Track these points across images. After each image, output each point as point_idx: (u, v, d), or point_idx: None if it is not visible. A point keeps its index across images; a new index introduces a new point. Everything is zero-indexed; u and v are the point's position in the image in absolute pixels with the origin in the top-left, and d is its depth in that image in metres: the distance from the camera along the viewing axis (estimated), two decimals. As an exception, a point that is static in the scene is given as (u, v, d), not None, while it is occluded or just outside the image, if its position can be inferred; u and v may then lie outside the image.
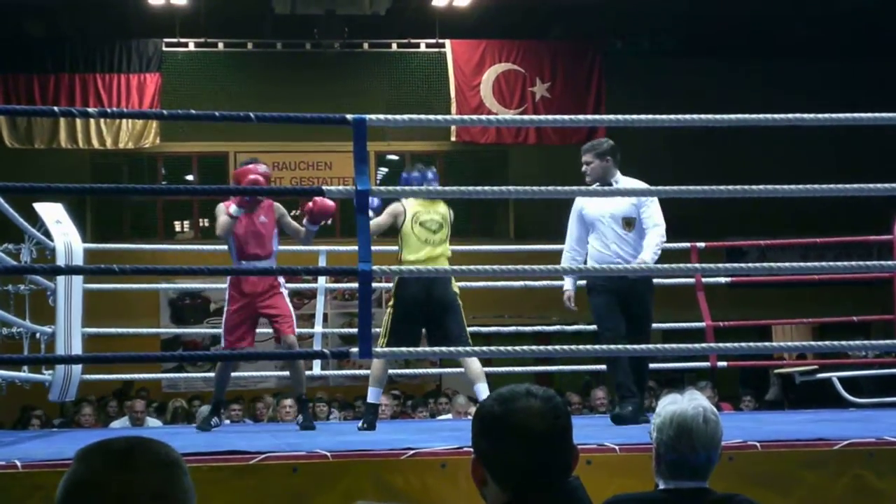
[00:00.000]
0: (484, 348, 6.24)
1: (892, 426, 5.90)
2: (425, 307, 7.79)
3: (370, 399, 7.91)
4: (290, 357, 6.62)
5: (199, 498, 4.50)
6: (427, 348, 7.73)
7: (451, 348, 7.08)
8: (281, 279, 8.05)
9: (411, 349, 7.60)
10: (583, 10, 17.86)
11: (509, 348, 7.12)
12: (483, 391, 7.57)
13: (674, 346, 5.98)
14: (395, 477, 4.63)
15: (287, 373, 8.48)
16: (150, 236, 18.56)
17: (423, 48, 18.67)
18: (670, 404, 3.70)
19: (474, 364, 7.79)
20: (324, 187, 5.87)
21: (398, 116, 5.85)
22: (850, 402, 9.72)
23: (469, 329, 8.19)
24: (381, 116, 5.69)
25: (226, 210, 7.83)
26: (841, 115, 5.89)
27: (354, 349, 5.22)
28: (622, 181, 7.49)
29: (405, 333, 7.77)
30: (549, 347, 6.22)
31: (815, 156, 17.31)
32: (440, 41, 18.40)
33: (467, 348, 7.30)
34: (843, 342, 6.11)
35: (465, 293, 15.26)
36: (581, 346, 6.07)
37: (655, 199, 7.45)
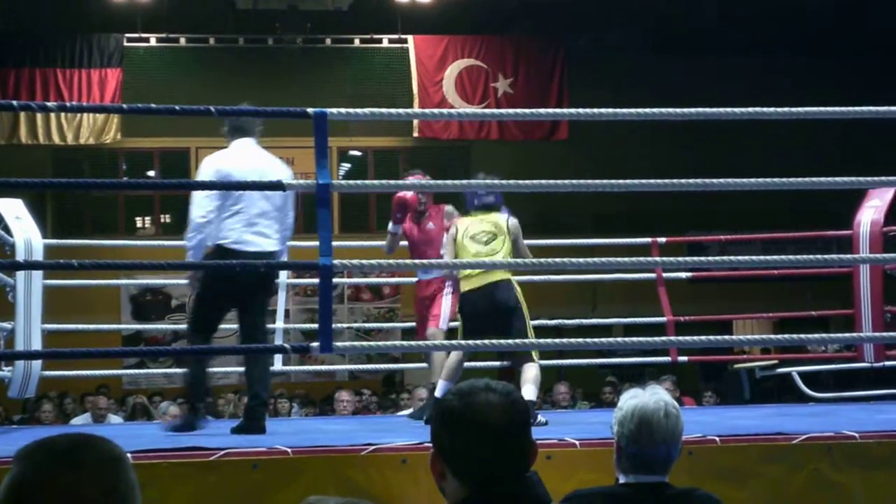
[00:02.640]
0: (452, 342, 6.23)
1: (851, 420, 5.94)
2: (490, 317, 7.49)
3: (438, 393, 7.57)
4: (250, 352, 6.56)
5: (160, 494, 4.48)
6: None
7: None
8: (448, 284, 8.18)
9: (377, 343, 7.54)
10: (546, 6, 17.87)
11: (477, 342, 7.13)
12: (529, 393, 7.32)
13: (634, 339, 5.99)
14: (355, 473, 4.62)
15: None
16: (111, 232, 18.46)
17: (385, 43, 18.64)
18: (631, 398, 3.70)
19: (530, 371, 7.32)
20: (285, 181, 5.84)
21: (359, 110, 5.84)
22: (810, 396, 9.77)
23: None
24: (343, 110, 5.66)
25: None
26: (801, 109, 5.92)
27: (315, 344, 5.20)
28: None
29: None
30: (510, 341, 6.23)
31: (783, 151, 17.40)
32: (403, 37, 18.39)
33: (529, 340, 7.14)
34: (803, 336, 6.11)
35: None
36: (542, 340, 6.07)
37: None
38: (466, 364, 7.72)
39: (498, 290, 7.37)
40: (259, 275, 6.50)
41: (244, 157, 6.55)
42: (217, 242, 6.48)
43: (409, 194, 8.15)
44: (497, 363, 10.34)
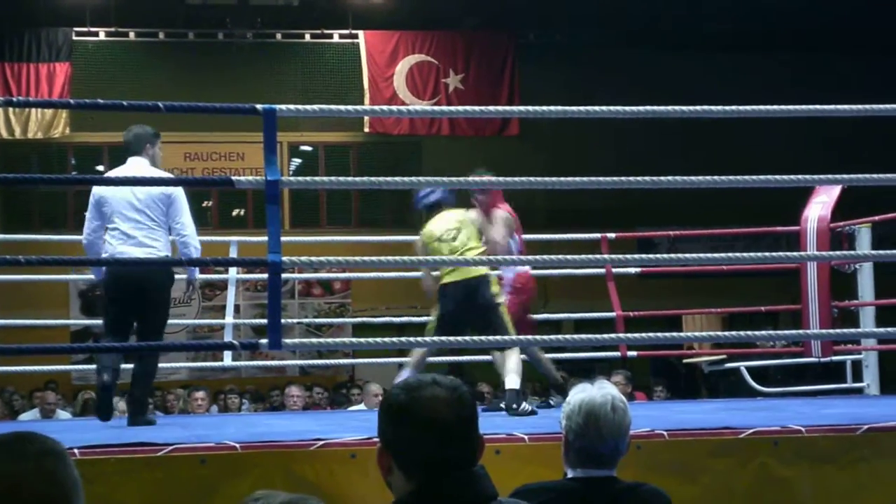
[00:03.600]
0: (403, 338, 6.23)
1: (797, 414, 5.99)
2: (469, 311, 7.55)
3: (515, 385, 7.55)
4: (199, 348, 6.56)
5: (107, 490, 4.46)
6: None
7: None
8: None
9: (327, 340, 7.53)
10: (496, 2, 17.90)
11: (427, 339, 7.15)
12: (511, 382, 7.40)
13: (584, 336, 6.01)
14: (304, 468, 4.61)
15: (197, 364, 8.42)
16: (60, 227, 18.30)
17: (336, 39, 18.61)
18: (579, 393, 3.73)
19: (512, 357, 7.49)
20: (234, 178, 5.83)
21: (309, 106, 5.83)
22: (758, 391, 9.84)
23: (381, 319, 8.18)
24: (292, 106, 5.66)
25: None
26: (750, 108, 5.95)
27: (264, 340, 5.19)
28: None
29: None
30: (461, 338, 6.25)
31: (741, 145, 17.48)
32: (353, 32, 18.36)
33: (507, 338, 7.25)
34: (751, 332, 6.17)
35: (377, 284, 15.27)
36: (493, 337, 6.09)
37: None
38: (411, 359, 7.82)
39: (478, 286, 7.50)
40: (137, 284, 6.89)
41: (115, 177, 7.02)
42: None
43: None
44: (448, 358, 10.37)
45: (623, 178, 5.78)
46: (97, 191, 7.10)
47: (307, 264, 7.28)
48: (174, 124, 17.06)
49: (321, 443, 4.70)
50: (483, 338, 6.76)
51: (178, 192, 7.01)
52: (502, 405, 7.50)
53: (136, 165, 7.09)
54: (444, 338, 7.20)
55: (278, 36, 18.55)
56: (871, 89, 10.60)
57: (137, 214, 6.93)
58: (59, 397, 13.45)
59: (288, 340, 5.43)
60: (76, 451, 4.45)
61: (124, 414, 9.63)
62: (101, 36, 18.08)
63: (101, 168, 19.21)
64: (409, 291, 16.89)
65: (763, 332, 6.17)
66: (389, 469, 2.52)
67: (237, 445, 4.66)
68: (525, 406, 7.28)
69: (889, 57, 18.12)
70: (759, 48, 19.13)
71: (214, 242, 9.35)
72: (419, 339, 7.24)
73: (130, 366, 7.28)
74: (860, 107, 5.96)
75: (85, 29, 17.75)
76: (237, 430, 5.94)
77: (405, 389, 2.53)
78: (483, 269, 7.50)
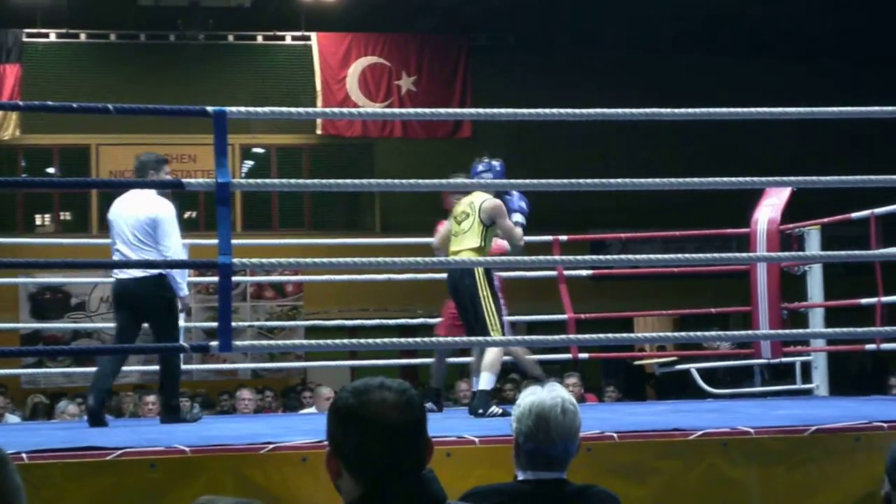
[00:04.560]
0: (355, 340, 6.23)
1: (747, 416, 6.02)
2: (455, 298, 7.59)
3: (486, 386, 7.40)
4: (148, 351, 6.55)
5: (55, 495, 4.43)
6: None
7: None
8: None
9: (279, 342, 7.51)
10: (449, 4, 17.92)
11: (377, 340, 7.13)
12: (483, 381, 7.33)
13: (534, 337, 6.02)
14: (254, 471, 4.59)
15: (150, 367, 8.47)
16: (9, 229, 18.17)
17: (288, 41, 18.59)
18: (529, 395, 3.74)
19: (489, 354, 7.41)
20: (184, 180, 5.81)
21: (260, 109, 5.82)
22: (708, 392, 9.89)
23: (334, 322, 8.16)
24: (243, 109, 5.63)
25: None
26: (697, 110, 5.98)
27: (214, 343, 5.17)
28: None
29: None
30: (413, 340, 6.24)
31: (686, 146, 17.59)
32: (306, 34, 18.35)
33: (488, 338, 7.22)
34: (701, 332, 6.20)
35: (330, 287, 15.22)
36: (444, 338, 6.09)
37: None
38: (364, 362, 7.81)
39: (460, 274, 7.40)
40: (130, 297, 7.41)
41: (120, 201, 7.56)
42: None
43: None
44: (400, 361, 10.37)
45: (575, 181, 5.79)
46: (109, 214, 7.64)
47: (257, 266, 7.28)
48: (125, 127, 17.01)
49: (271, 446, 4.68)
50: (439, 339, 6.77)
51: (164, 216, 7.35)
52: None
53: (137, 193, 7.50)
54: (411, 340, 7.20)
55: (230, 37, 18.51)
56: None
57: (131, 236, 7.38)
58: (9, 401, 13.35)
59: (238, 343, 5.40)
60: (24, 455, 4.41)
61: (70, 417, 9.70)
62: (52, 37, 17.97)
63: (51, 171, 19.09)
64: (362, 294, 16.95)
65: (712, 333, 6.19)
66: (338, 473, 2.51)
67: (187, 449, 4.63)
68: (494, 409, 7.12)
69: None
70: (707, 47, 19.25)
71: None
72: (371, 340, 7.24)
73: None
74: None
75: (35, 30, 17.66)
76: (187, 433, 5.90)
77: (353, 393, 2.52)
78: (468, 253, 7.35)
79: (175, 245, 7.36)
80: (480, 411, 7.12)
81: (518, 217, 7.63)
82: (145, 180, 6.97)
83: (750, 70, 19.08)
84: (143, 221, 7.35)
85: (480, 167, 7.60)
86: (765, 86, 17.30)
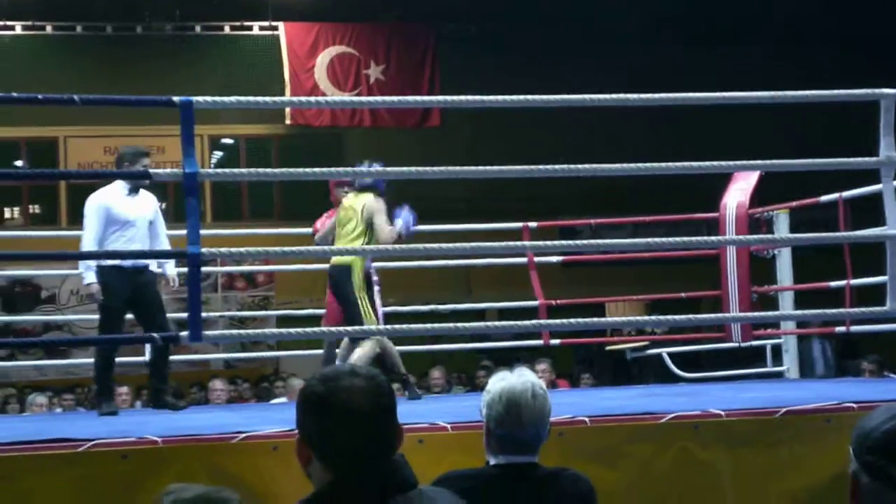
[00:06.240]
0: (325, 329, 6.22)
1: (718, 399, 6.03)
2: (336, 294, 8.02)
3: None
4: (118, 342, 6.52)
5: (26, 487, 4.41)
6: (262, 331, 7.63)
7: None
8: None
9: (247, 332, 7.51)
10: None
11: (348, 329, 7.13)
12: None
13: (505, 322, 6.01)
14: (226, 461, 4.58)
15: (120, 359, 8.44)
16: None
17: (256, 31, 18.55)
18: (499, 381, 3.74)
19: (360, 349, 7.77)
20: (152, 171, 5.79)
21: (227, 98, 5.80)
22: (679, 376, 9.92)
23: (306, 311, 8.18)
24: (209, 98, 5.61)
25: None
26: (659, 96, 5.99)
27: (185, 333, 5.16)
28: None
29: None
30: (386, 327, 6.25)
31: (660, 132, 17.62)
32: (273, 24, 18.32)
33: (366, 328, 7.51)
34: (672, 317, 6.21)
35: (301, 276, 15.21)
36: (416, 326, 6.09)
37: None
38: (337, 351, 7.96)
39: (336, 275, 7.84)
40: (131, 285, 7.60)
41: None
42: None
43: None
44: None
45: (542, 167, 5.80)
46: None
47: (227, 255, 7.27)
48: (92, 118, 16.95)
49: (243, 435, 4.67)
50: (406, 326, 6.76)
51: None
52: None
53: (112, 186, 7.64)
54: (369, 327, 7.29)
55: (198, 28, 18.45)
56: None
57: None
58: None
59: (209, 332, 5.39)
60: (-8, 448, 4.40)
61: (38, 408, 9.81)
62: (18, 30, 17.90)
63: (19, 163, 19.00)
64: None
65: (683, 317, 6.20)
66: (309, 460, 2.51)
67: (158, 440, 4.62)
68: None
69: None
70: (678, 37, 19.30)
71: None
72: (343, 329, 7.25)
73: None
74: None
75: (1, 23, 17.54)
76: (159, 424, 5.89)
77: (322, 380, 2.52)
78: (347, 259, 7.78)
79: (84, 237, 7.53)
80: None
81: (398, 224, 7.87)
82: (111, 171, 6.97)
83: (717, 58, 19.12)
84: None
85: (364, 167, 7.79)
86: (735, 73, 17.32)
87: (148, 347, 8.03)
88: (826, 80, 6.71)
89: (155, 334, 6.59)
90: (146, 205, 7.62)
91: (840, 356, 12.34)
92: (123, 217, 7.50)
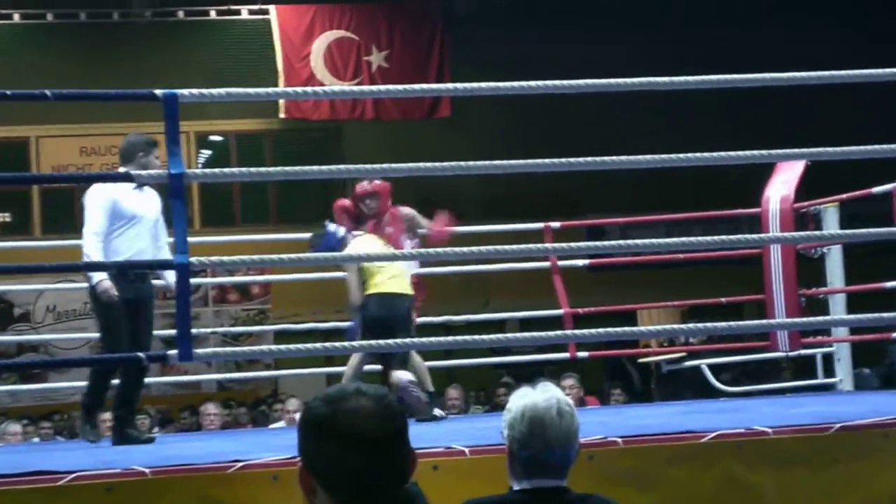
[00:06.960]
0: (329, 344, 6.24)
1: (763, 415, 6.03)
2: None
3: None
4: (100, 363, 6.55)
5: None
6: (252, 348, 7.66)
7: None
8: None
9: (242, 349, 7.52)
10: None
11: (353, 344, 7.15)
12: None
13: (527, 334, 6.01)
14: (222, 492, 4.59)
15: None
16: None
17: (245, 15, 18.56)
18: (521, 398, 3.74)
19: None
20: (133, 172, 5.80)
21: (215, 91, 5.80)
22: (720, 390, 9.89)
23: (306, 326, 8.20)
24: (196, 91, 5.61)
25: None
26: (660, 79, 5.98)
27: (173, 352, 5.17)
28: None
29: None
30: (392, 342, 6.26)
31: (687, 124, 17.62)
32: (264, 7, 18.31)
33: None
34: (712, 324, 6.20)
35: (300, 287, 15.21)
36: (428, 339, 6.10)
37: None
38: (340, 369, 8.08)
39: (409, 304, 8.32)
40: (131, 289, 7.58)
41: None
42: None
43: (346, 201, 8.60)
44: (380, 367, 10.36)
45: (566, 160, 5.79)
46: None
47: (218, 265, 7.28)
48: (68, 115, 16.96)
49: (240, 464, 4.68)
50: (412, 340, 6.78)
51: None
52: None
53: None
54: (391, 341, 7.33)
55: (180, 13, 18.48)
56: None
57: None
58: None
59: (200, 351, 5.41)
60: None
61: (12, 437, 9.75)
62: (-20, 20, 17.94)
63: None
64: (336, 294, 16.91)
65: (723, 324, 6.19)
66: (313, 490, 2.49)
67: (147, 471, 4.63)
68: None
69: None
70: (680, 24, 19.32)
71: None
72: (347, 344, 7.26)
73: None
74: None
75: (-37, 13, 17.62)
76: (147, 453, 5.90)
77: (326, 401, 2.50)
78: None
79: (86, 232, 7.48)
80: None
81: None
82: (89, 174, 6.94)
83: (760, 37, 19.10)
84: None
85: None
86: (781, 52, 17.30)
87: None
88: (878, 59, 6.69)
89: (140, 353, 6.59)
90: (152, 202, 7.62)
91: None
92: (131, 212, 7.47)
